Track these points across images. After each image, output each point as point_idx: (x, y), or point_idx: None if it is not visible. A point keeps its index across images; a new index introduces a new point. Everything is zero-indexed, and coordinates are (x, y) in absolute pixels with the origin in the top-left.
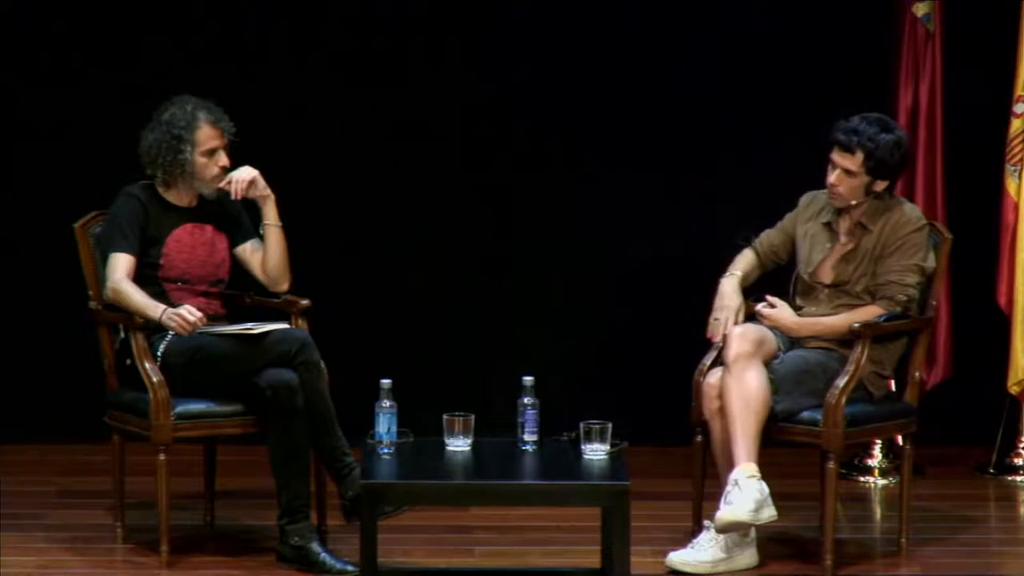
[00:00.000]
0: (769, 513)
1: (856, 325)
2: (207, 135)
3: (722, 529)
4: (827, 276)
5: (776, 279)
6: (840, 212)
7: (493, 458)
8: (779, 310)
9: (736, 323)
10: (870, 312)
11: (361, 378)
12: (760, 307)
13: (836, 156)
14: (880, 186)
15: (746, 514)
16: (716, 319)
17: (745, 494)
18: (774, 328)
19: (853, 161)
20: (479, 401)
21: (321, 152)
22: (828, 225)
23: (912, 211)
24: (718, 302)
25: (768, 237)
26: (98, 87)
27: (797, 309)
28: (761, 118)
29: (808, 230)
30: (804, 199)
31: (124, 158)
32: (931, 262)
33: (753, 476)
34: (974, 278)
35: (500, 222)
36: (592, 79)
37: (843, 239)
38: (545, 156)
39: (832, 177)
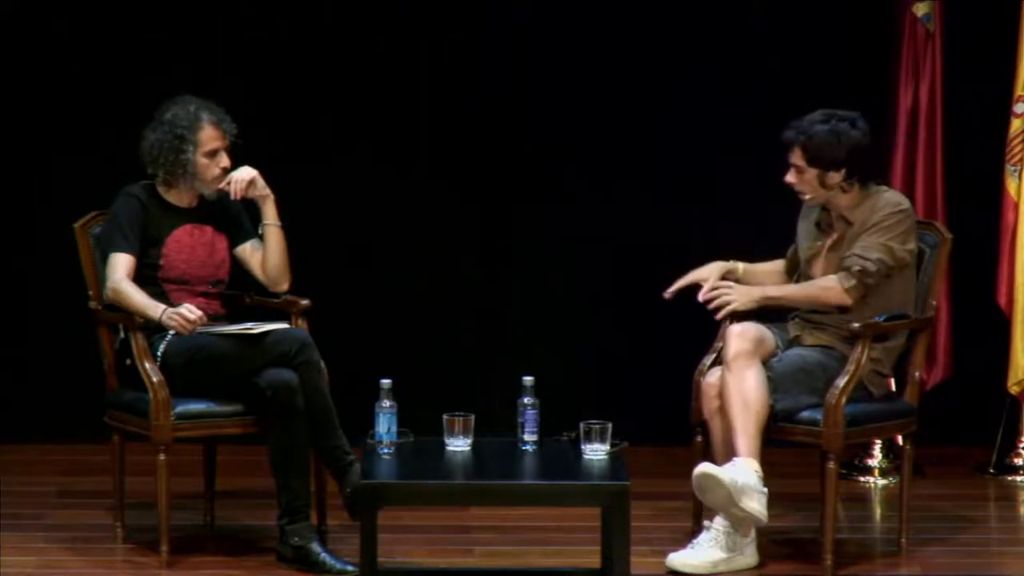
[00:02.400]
0: (756, 507)
1: (856, 325)
2: (209, 136)
3: (696, 480)
4: (818, 272)
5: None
6: (826, 209)
7: (493, 458)
8: (721, 292)
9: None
10: (827, 282)
11: (361, 378)
12: (705, 297)
13: (789, 153)
14: (833, 179)
15: (727, 478)
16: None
17: (738, 470)
18: (772, 327)
19: (796, 155)
20: (479, 401)
21: (321, 152)
22: (818, 224)
23: (892, 197)
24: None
25: (791, 251)
26: (98, 87)
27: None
28: (761, 118)
29: (804, 231)
30: (802, 211)
31: (124, 158)
32: (908, 247)
33: (756, 471)
34: (974, 278)
35: (500, 222)
36: (592, 79)
37: (831, 234)
38: (545, 156)
39: (789, 175)
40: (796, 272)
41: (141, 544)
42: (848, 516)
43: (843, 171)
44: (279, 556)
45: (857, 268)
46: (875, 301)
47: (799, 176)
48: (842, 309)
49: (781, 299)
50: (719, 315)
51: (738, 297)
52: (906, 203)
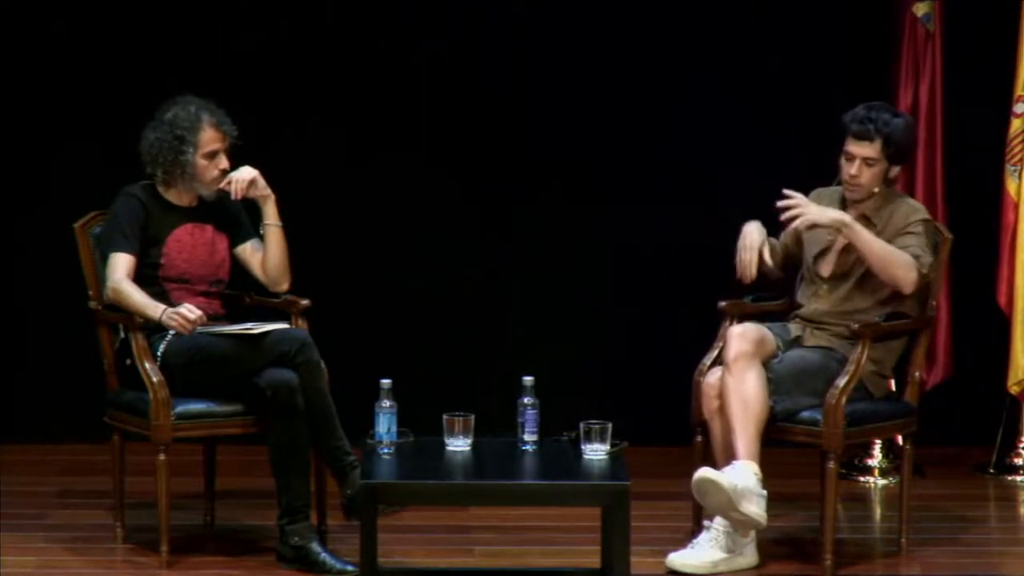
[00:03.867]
0: (755, 510)
1: (856, 325)
2: (209, 137)
3: (696, 485)
4: (826, 269)
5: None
6: (845, 206)
7: (493, 458)
8: (800, 201)
9: (761, 258)
10: (906, 258)
11: (361, 378)
12: (781, 205)
13: (854, 147)
14: (894, 172)
15: (727, 483)
16: (741, 259)
17: (738, 473)
18: (773, 327)
19: (872, 148)
20: (479, 401)
21: (321, 152)
22: None
23: (916, 204)
24: (741, 241)
25: (783, 235)
26: (98, 87)
27: (799, 306)
28: (761, 118)
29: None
30: (810, 197)
31: (124, 158)
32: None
33: (755, 474)
34: (974, 278)
35: (500, 222)
36: (592, 79)
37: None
38: (545, 156)
39: (853, 168)
40: (788, 256)
41: (141, 544)
42: (848, 516)
43: (900, 166)
44: (279, 556)
45: (924, 263)
46: (889, 303)
47: (867, 169)
48: (887, 299)
49: (856, 239)
50: (796, 224)
51: (816, 214)
52: (924, 209)
